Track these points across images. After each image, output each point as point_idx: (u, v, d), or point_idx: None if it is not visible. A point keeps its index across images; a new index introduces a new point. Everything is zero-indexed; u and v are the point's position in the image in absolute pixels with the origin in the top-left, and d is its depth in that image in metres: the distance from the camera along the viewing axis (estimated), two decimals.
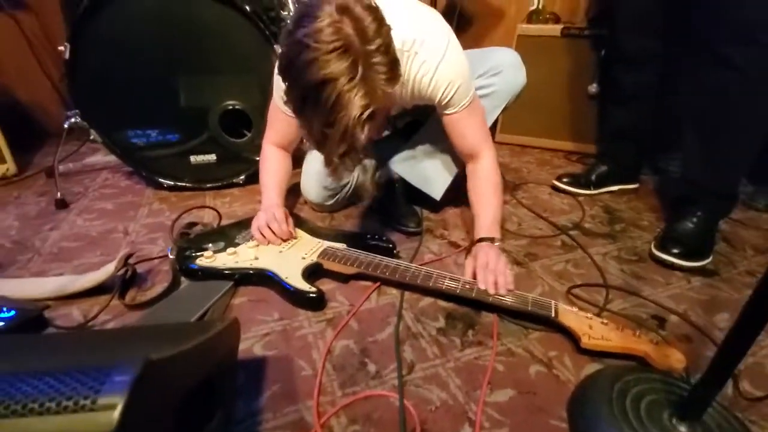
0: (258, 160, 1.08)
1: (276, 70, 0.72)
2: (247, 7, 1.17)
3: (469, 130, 0.92)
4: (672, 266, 0.96)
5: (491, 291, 0.78)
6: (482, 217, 0.93)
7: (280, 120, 0.96)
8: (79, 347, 0.40)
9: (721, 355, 0.46)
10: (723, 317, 0.81)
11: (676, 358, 0.65)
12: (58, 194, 1.25)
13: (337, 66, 0.60)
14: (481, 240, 0.89)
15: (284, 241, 0.94)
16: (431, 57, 0.82)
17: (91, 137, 1.23)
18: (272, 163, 1.04)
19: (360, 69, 0.61)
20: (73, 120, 1.25)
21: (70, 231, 1.12)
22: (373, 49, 0.62)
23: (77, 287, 0.81)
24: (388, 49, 0.65)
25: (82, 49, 1.12)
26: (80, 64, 1.14)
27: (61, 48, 1.11)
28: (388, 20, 0.66)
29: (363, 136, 0.65)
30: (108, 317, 0.78)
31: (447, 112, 0.90)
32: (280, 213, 0.95)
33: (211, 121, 1.27)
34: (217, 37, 1.18)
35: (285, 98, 0.70)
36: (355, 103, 0.62)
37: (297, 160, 1.14)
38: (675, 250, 0.96)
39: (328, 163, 0.70)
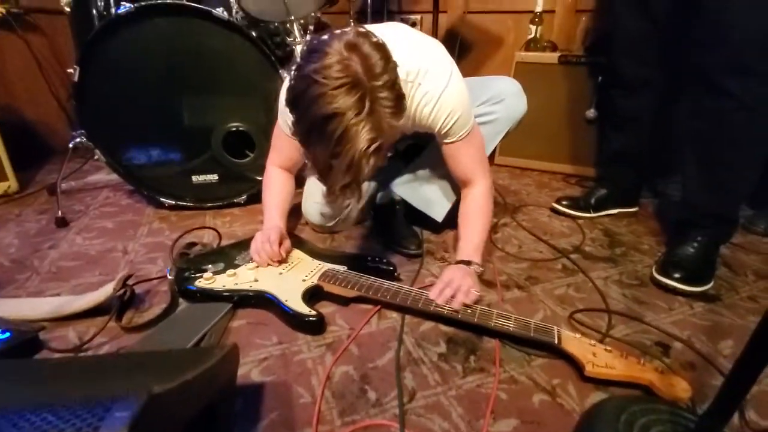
0: (260, 180, 1.09)
1: (282, 100, 0.73)
2: (254, 33, 1.20)
3: (465, 158, 0.94)
4: (674, 291, 0.95)
5: (440, 302, 0.79)
6: (464, 241, 0.95)
7: (285, 143, 0.98)
8: (78, 376, 0.39)
9: (727, 387, 0.45)
10: (727, 344, 0.80)
11: (681, 388, 0.64)
12: (59, 212, 1.25)
13: (344, 101, 0.61)
14: (459, 262, 0.90)
15: (279, 263, 0.93)
16: (434, 88, 0.84)
17: (95, 157, 1.24)
18: (275, 184, 1.05)
19: (367, 104, 0.63)
20: (78, 140, 1.27)
21: (69, 250, 1.11)
22: (380, 84, 0.64)
23: (74, 308, 0.80)
24: (394, 84, 0.67)
25: (91, 72, 1.15)
26: (88, 86, 1.16)
27: (71, 71, 1.13)
28: (394, 52, 0.68)
29: (368, 168, 0.66)
30: (104, 339, 0.77)
31: (446, 140, 0.92)
32: (275, 235, 0.94)
33: (214, 142, 1.29)
34: (223, 60, 1.21)
35: (292, 129, 0.72)
36: (362, 137, 0.63)
37: (299, 180, 1.15)
38: (676, 275, 0.96)
39: (330, 192, 0.71)
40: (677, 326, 0.85)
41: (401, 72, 0.70)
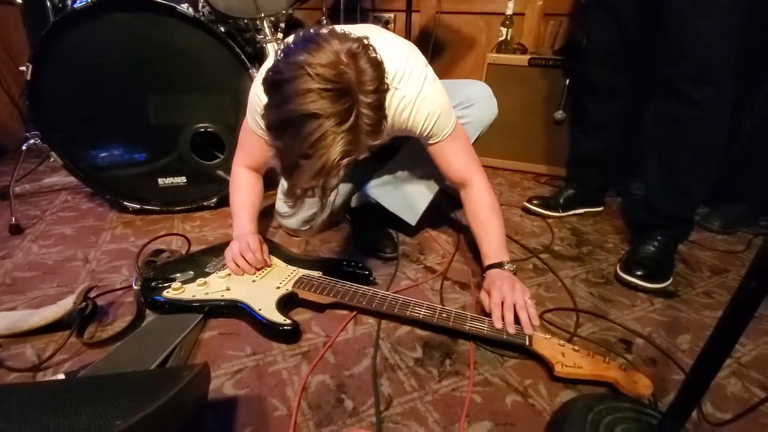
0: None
1: (252, 96, 0.68)
2: (222, 29, 1.16)
3: (453, 157, 0.93)
4: (636, 288, 1.00)
5: (511, 330, 0.76)
6: (485, 243, 0.92)
7: (253, 142, 0.95)
8: (31, 409, 0.37)
9: (685, 389, 0.48)
10: (685, 339, 0.85)
11: (643, 384, 0.67)
12: (13, 218, 1.17)
13: (329, 106, 0.59)
14: (490, 267, 0.88)
15: (258, 270, 0.92)
16: (410, 92, 0.83)
17: (52, 159, 1.17)
18: (243, 186, 1.01)
19: (352, 116, 0.61)
20: (32, 142, 1.19)
21: (24, 259, 1.05)
22: (368, 102, 0.62)
23: (32, 324, 0.75)
24: (380, 106, 0.65)
25: (46, 71, 1.08)
26: (42, 85, 1.09)
27: (23, 68, 1.06)
28: None
29: (335, 179, 0.65)
30: (65, 356, 0.73)
31: (430, 142, 0.91)
32: (255, 241, 0.92)
33: (182, 143, 1.24)
34: (190, 58, 1.16)
35: (262, 112, 0.67)
36: (338, 147, 0.61)
37: (271, 180, 1.12)
38: (638, 273, 1.01)
39: (290, 193, 0.68)
40: (639, 322, 0.89)
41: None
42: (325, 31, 0.64)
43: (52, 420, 0.34)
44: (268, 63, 0.69)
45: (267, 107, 0.66)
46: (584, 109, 1.36)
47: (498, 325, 0.77)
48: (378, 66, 0.64)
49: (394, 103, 0.84)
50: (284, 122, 0.63)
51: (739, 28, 0.93)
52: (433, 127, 0.87)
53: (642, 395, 0.66)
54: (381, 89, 0.64)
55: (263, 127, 0.90)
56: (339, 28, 0.87)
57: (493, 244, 0.91)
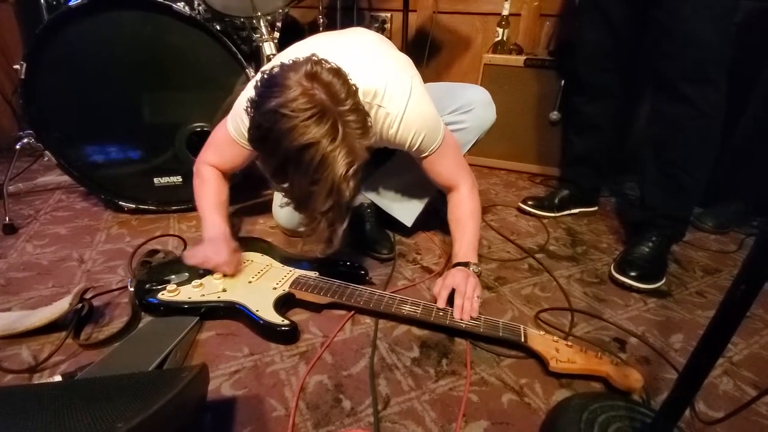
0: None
1: (240, 102, 0.70)
2: (218, 27, 1.16)
3: (443, 168, 0.94)
4: (630, 288, 1.01)
5: (456, 315, 0.80)
6: (457, 243, 0.94)
7: (231, 147, 0.92)
8: (35, 412, 0.37)
9: (678, 388, 0.49)
10: (678, 338, 0.86)
11: (634, 378, 0.68)
12: (6, 218, 1.16)
13: (317, 130, 0.62)
14: (456, 265, 0.90)
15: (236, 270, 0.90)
16: (394, 109, 0.83)
17: (46, 158, 1.16)
18: (213, 186, 0.97)
19: (340, 130, 0.64)
20: (25, 140, 1.18)
21: (19, 259, 1.04)
22: (346, 109, 0.65)
23: (27, 325, 0.75)
24: (358, 106, 0.68)
25: (40, 69, 1.07)
26: (37, 84, 1.08)
27: (17, 67, 1.05)
28: (349, 71, 0.69)
29: (348, 191, 0.67)
30: (61, 357, 0.72)
31: (419, 156, 0.92)
32: (232, 253, 0.89)
33: (177, 142, 1.23)
34: (186, 56, 1.16)
35: (262, 165, 0.70)
36: (340, 162, 0.64)
37: (266, 181, 1.11)
38: (632, 273, 1.02)
39: (310, 220, 0.70)
40: (632, 322, 0.90)
41: (359, 93, 0.70)
42: (276, 69, 0.67)
43: (53, 422, 0.34)
44: (248, 119, 0.70)
45: (263, 160, 0.70)
46: (576, 110, 1.37)
47: (441, 305, 0.82)
48: (338, 72, 0.67)
49: (379, 119, 0.84)
50: (284, 164, 0.66)
51: (734, 26, 0.93)
52: (420, 144, 0.88)
53: (633, 388, 0.67)
54: (351, 92, 0.67)
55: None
56: (315, 38, 0.88)
57: (464, 246, 0.93)
